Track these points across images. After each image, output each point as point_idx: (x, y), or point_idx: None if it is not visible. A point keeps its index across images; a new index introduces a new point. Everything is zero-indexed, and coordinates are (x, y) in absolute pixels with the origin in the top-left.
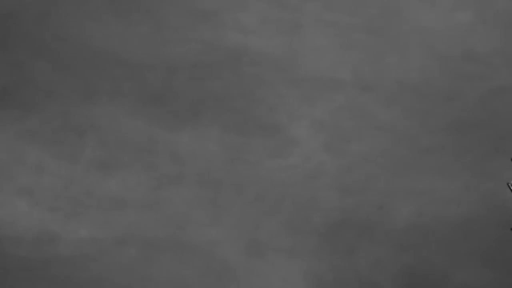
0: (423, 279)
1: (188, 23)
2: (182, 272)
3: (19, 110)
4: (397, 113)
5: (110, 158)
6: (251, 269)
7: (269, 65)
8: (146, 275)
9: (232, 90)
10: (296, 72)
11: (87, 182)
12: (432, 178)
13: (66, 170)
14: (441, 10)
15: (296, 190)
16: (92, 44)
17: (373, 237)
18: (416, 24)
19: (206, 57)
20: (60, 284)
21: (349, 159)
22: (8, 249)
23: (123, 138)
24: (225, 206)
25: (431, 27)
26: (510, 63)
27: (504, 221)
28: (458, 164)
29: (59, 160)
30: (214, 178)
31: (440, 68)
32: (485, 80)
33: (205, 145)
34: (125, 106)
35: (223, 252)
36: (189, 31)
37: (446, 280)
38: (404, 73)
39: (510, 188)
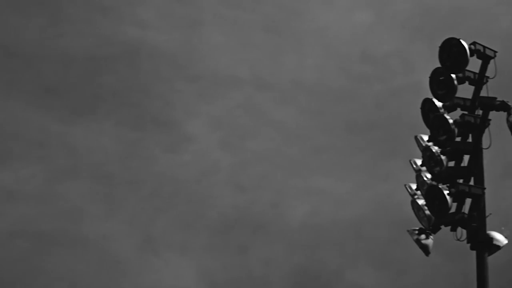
0: (315, 278)
1: (85, 16)
2: (75, 266)
3: None
4: (293, 112)
5: (4, 150)
6: (144, 265)
7: (166, 60)
8: (38, 269)
9: (128, 85)
10: (194, 68)
11: None
12: (327, 178)
13: None
14: (339, 10)
15: (190, 186)
16: None
17: (267, 236)
18: (314, 23)
19: (102, 51)
20: None
21: (244, 157)
22: None
23: (17, 130)
24: (119, 201)
25: (329, 26)
26: (407, 64)
27: (399, 223)
28: (354, 164)
29: None
30: (109, 173)
31: (337, 68)
32: (381, 81)
33: (100, 139)
34: (20, 98)
35: (116, 247)
36: (86, 25)
37: (339, 280)
38: (301, 72)
39: (407, 190)
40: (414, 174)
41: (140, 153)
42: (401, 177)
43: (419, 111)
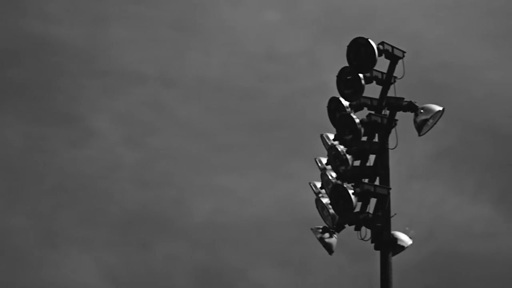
0: (218, 276)
1: None
2: None
3: None
4: (198, 109)
5: None
6: (44, 259)
7: (71, 55)
8: None
9: (32, 79)
10: (99, 63)
11: None
12: (231, 176)
13: None
14: (246, 8)
15: (93, 182)
16: None
17: (170, 233)
18: (221, 21)
19: (6, 44)
20: None
21: (148, 154)
22: None
23: None
24: (20, 195)
25: (236, 25)
26: (314, 64)
27: (304, 222)
28: (259, 163)
29: None
30: (11, 166)
31: (244, 66)
32: (288, 80)
33: (2, 132)
34: None
35: (17, 241)
36: None
37: (241, 278)
38: (206, 70)
39: (311, 188)
40: (319, 172)
41: (43, 148)
42: (307, 176)
43: (325, 110)
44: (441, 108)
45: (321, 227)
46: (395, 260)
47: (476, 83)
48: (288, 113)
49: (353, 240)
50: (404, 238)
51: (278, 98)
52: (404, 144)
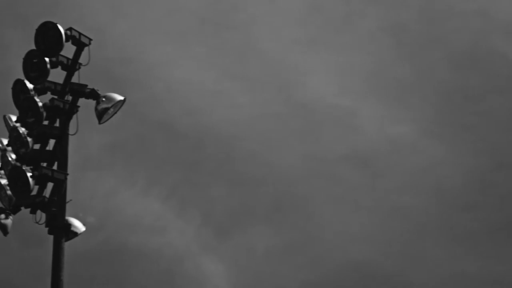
0: None
1: None
2: None
3: None
4: None
5: None
6: None
7: None
8: None
9: None
10: None
11: None
12: None
13: None
14: None
15: None
16: None
17: None
18: None
19: None
20: None
21: None
22: None
23: None
24: None
25: None
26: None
27: None
28: None
29: None
30: None
31: None
32: None
33: None
34: None
35: None
36: None
37: None
38: None
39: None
40: None
41: None
42: None
43: (10, 92)
44: (122, 98)
45: None
46: (67, 247)
47: (156, 79)
48: None
49: (29, 223)
50: (78, 225)
51: None
52: (83, 132)
